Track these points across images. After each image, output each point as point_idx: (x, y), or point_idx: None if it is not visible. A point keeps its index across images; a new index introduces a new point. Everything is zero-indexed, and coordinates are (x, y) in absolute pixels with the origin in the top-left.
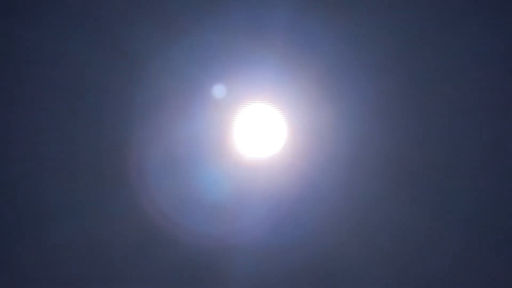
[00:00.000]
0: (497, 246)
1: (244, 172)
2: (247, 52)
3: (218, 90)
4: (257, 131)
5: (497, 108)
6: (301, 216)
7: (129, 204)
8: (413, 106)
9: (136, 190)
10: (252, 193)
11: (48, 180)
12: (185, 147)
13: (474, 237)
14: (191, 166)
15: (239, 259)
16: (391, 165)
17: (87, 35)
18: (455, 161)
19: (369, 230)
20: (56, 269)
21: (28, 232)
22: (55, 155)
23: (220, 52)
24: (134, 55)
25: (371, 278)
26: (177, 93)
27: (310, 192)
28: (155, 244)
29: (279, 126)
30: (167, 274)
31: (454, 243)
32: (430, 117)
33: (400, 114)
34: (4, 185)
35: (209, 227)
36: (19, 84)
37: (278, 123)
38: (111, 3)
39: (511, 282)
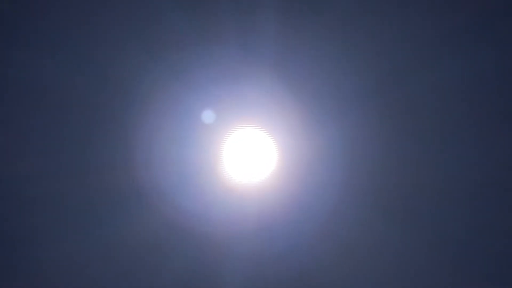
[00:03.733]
0: (490, 275)
1: (235, 196)
2: (237, 77)
3: (209, 115)
4: (248, 156)
5: (492, 139)
6: (291, 240)
7: (119, 227)
8: (405, 132)
9: (125, 215)
10: (243, 218)
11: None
12: (175, 172)
13: (466, 265)
14: (181, 191)
15: (230, 283)
16: (381, 190)
17: (79, 59)
18: (448, 187)
19: (360, 254)
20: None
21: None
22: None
23: (211, 77)
24: (124, 79)
25: None
26: (167, 117)
27: (300, 217)
28: (145, 268)
29: (270, 151)
30: None
31: (442, 270)
32: (422, 143)
33: (390, 139)
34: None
35: (199, 252)
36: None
37: (269, 148)
38: (100, 26)
39: None
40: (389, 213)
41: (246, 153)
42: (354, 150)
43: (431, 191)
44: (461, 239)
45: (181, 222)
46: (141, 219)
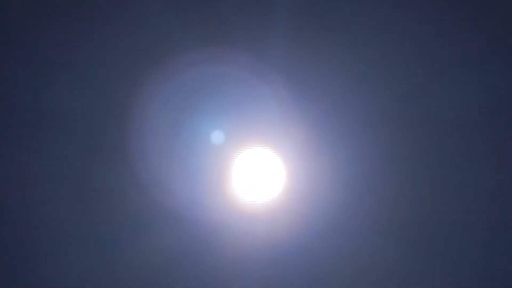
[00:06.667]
0: None
1: (243, 216)
2: (246, 97)
3: (217, 136)
4: (257, 176)
5: (498, 158)
6: (300, 260)
7: (128, 246)
8: (415, 153)
9: (134, 236)
10: (251, 238)
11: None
12: (184, 192)
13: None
14: (190, 212)
15: None
16: (390, 210)
17: (86, 76)
18: (454, 208)
19: (369, 275)
20: None
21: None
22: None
23: (220, 97)
24: (131, 100)
25: None
26: (176, 138)
27: (309, 237)
28: None
29: (278, 171)
30: None
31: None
32: (433, 164)
33: (400, 160)
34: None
35: (209, 272)
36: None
37: (277, 168)
38: (107, 41)
39: None
40: (399, 234)
41: (255, 173)
42: (363, 171)
43: (441, 213)
44: (471, 262)
45: (190, 242)
46: (151, 240)
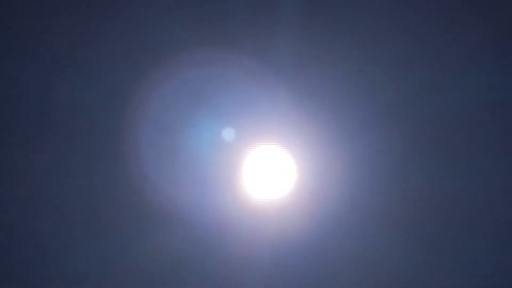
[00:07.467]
0: None
1: (254, 214)
2: (256, 94)
3: (228, 132)
4: (267, 173)
5: (508, 156)
6: (310, 259)
7: (137, 245)
8: (427, 151)
9: (142, 235)
10: (262, 236)
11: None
12: (194, 190)
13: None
14: (200, 210)
15: None
16: (398, 208)
17: (85, 75)
18: (464, 206)
19: (380, 274)
20: None
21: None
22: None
23: (229, 94)
24: (139, 99)
25: None
26: (185, 135)
27: (320, 235)
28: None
29: (289, 169)
30: None
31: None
32: (444, 163)
33: (412, 158)
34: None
35: (219, 270)
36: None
37: (288, 166)
38: (113, 41)
39: None
40: (409, 232)
41: (265, 171)
42: (374, 168)
43: (451, 211)
44: (481, 260)
45: (200, 240)
46: (161, 238)
